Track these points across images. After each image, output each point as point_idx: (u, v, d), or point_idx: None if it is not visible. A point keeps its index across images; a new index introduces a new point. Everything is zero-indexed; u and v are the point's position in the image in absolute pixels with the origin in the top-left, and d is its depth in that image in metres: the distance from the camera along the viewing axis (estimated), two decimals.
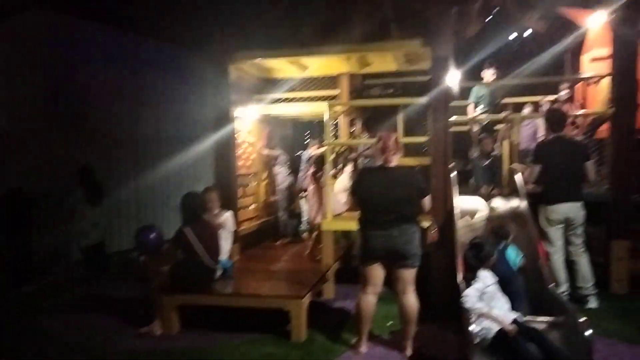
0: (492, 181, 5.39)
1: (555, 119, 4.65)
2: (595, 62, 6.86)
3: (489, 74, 6.44)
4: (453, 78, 5.08)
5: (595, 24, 6.19)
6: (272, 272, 5.05)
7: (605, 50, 5.76)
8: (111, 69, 6.66)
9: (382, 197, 3.53)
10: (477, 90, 6.51)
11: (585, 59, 6.82)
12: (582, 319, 3.19)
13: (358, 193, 3.68)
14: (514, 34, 10.28)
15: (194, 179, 7.09)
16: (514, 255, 4.03)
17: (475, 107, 6.49)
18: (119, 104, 6.82)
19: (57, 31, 6.30)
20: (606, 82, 5.80)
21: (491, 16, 7.25)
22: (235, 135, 5.87)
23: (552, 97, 6.31)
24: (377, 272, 3.62)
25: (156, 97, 7.23)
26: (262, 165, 7.17)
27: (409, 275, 3.57)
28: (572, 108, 6.31)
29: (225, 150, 5.60)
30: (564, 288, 4.45)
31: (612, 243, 4.90)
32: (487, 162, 5.14)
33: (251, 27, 5.67)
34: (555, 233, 4.49)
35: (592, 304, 4.47)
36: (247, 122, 6.68)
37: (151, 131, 7.13)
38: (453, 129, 5.68)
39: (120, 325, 4.49)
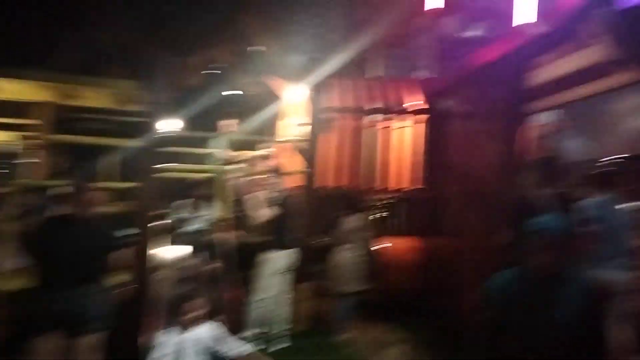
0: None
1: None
2: (295, 127, 7.96)
3: (226, 125, 6.60)
4: (171, 125, 5.07)
5: (295, 95, 7.24)
6: None
7: (304, 119, 6.76)
8: None
9: (64, 252, 3.11)
10: (216, 141, 6.46)
11: (286, 123, 7.84)
12: None
13: (34, 247, 3.18)
14: (235, 92, 11.15)
15: None
16: None
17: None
18: None
19: None
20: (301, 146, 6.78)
21: (211, 72, 7.66)
22: None
23: (259, 153, 6.94)
24: (52, 344, 3.05)
25: None
26: None
27: (90, 342, 3.16)
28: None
29: None
30: (261, 330, 4.83)
31: (296, 286, 5.49)
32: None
33: None
34: (273, 278, 4.89)
35: (286, 342, 4.93)
36: None
37: None
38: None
39: None
